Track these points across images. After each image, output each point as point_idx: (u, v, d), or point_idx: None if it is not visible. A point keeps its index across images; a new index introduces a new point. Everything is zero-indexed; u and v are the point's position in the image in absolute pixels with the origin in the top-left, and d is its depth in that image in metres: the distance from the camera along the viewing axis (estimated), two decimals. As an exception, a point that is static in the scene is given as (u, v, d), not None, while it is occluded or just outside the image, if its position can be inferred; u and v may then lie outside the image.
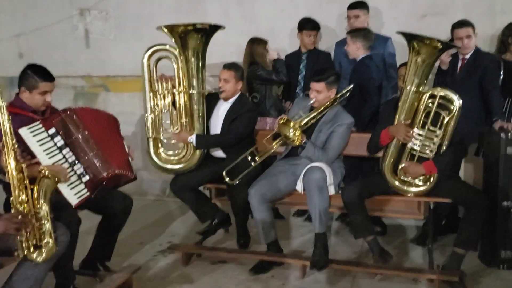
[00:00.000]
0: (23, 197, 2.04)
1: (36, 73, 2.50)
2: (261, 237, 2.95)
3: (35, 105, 2.54)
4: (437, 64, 3.36)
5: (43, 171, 2.10)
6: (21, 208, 2.03)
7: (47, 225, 2.08)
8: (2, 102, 2.07)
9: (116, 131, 2.82)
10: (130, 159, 2.74)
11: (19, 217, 1.97)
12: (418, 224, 3.61)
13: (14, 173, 2.03)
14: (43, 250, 2.07)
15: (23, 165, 2.06)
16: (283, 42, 4.12)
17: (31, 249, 2.05)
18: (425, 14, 3.88)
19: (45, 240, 2.08)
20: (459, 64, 3.30)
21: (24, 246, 2.04)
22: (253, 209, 2.90)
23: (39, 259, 2.06)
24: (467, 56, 3.26)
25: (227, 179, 2.93)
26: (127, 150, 2.76)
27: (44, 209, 2.07)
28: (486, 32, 3.69)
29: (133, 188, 4.44)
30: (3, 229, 1.94)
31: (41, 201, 2.07)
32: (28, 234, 2.03)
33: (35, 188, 2.08)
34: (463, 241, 2.68)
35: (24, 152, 2.16)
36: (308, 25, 3.73)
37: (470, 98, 3.11)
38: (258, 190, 2.86)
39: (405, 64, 2.97)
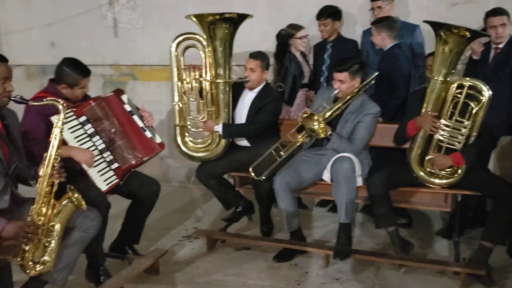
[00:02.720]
0: (44, 210, 2.06)
1: (75, 71, 2.57)
2: (285, 226, 2.98)
3: (75, 98, 2.64)
4: (468, 53, 3.27)
5: (70, 194, 2.11)
6: (37, 220, 2.04)
7: (53, 245, 2.08)
8: (63, 116, 2.11)
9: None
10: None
11: (31, 227, 1.98)
12: (443, 215, 3.57)
13: (45, 184, 2.06)
14: (39, 267, 2.06)
15: (56, 181, 2.09)
16: (309, 31, 4.05)
17: (30, 262, 2.04)
18: (456, 2, 3.76)
19: (45, 258, 2.06)
20: (492, 54, 3.19)
21: (24, 255, 2.03)
22: (277, 197, 2.92)
23: (30, 273, 2.06)
24: (501, 46, 3.15)
25: (253, 175, 2.95)
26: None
27: (57, 228, 2.09)
28: (521, 20, 3.55)
29: (160, 175, 4.56)
30: (12, 235, 1.95)
31: (57, 219, 2.09)
32: (33, 245, 2.03)
33: (57, 205, 2.10)
34: (491, 235, 2.64)
35: (62, 168, 2.16)
36: (318, 14, 3.66)
37: (501, 88, 3.02)
38: (283, 178, 2.88)
39: (432, 54, 2.90)
